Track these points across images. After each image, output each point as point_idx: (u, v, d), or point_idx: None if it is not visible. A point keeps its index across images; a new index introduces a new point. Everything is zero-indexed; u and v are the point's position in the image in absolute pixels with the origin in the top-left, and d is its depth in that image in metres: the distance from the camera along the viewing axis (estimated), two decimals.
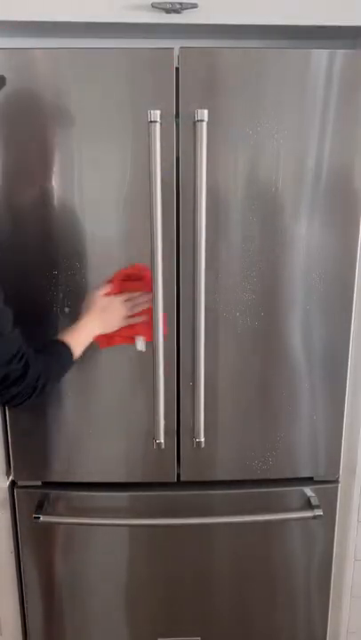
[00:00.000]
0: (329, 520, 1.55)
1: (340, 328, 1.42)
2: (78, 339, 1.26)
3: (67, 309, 1.37)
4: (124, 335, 1.37)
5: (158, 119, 1.21)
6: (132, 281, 1.35)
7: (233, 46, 1.29)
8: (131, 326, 1.36)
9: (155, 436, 1.41)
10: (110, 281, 1.34)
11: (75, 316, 1.33)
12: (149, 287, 1.31)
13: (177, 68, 1.23)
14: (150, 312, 1.33)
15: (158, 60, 1.23)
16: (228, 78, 1.25)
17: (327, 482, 1.54)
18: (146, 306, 1.35)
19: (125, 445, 1.47)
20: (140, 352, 1.38)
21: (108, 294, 1.33)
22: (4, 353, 1.06)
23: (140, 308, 1.35)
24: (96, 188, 1.30)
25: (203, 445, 1.42)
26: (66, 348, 1.21)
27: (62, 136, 1.27)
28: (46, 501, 1.49)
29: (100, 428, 1.45)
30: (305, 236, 1.35)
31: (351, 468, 1.53)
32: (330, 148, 1.30)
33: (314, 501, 1.51)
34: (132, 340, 1.38)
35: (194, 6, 1.25)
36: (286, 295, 1.39)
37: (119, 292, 1.35)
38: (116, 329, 1.35)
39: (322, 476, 1.53)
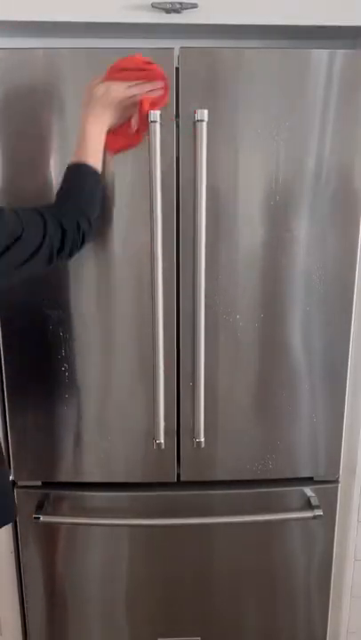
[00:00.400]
0: (329, 520, 1.55)
1: (341, 328, 1.41)
2: (93, 147, 1.15)
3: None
4: (131, 131, 1.21)
5: (158, 119, 1.21)
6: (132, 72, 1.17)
7: (233, 46, 1.29)
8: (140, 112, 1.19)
9: (155, 437, 1.41)
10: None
11: (73, 319, 1.33)
12: (158, 76, 1.18)
13: (177, 68, 1.23)
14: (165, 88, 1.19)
15: (158, 60, 1.23)
16: (228, 78, 1.25)
17: (327, 482, 1.54)
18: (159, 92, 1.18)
19: (125, 445, 1.47)
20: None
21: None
22: (32, 244, 1.06)
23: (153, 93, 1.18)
24: None
25: (203, 445, 1.42)
26: (86, 170, 1.14)
27: (62, 136, 1.27)
28: (46, 501, 1.49)
29: (100, 428, 1.45)
30: (305, 236, 1.35)
31: (351, 468, 1.53)
32: (330, 148, 1.29)
33: (314, 501, 1.51)
34: (143, 128, 1.21)
35: (194, 6, 1.25)
36: (286, 295, 1.39)
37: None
38: (126, 118, 1.19)
39: (322, 476, 1.53)
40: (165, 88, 1.20)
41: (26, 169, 1.28)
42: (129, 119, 1.21)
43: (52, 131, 1.26)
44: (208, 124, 1.22)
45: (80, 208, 1.15)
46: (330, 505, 1.54)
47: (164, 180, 1.25)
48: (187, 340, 1.38)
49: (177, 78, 1.23)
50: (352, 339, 1.42)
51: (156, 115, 1.20)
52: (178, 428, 1.45)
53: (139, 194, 1.28)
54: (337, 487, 1.54)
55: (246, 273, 1.36)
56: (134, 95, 1.17)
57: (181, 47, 1.23)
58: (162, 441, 1.41)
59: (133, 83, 1.17)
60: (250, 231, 1.34)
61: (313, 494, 1.52)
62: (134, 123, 1.21)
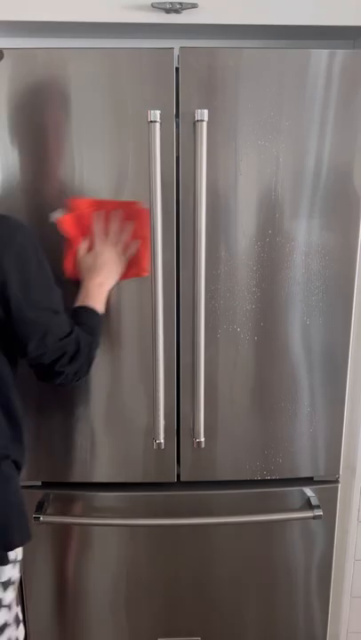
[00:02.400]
0: (329, 520, 1.55)
1: (341, 328, 1.41)
2: (100, 300, 1.25)
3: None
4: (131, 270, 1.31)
5: (158, 119, 1.21)
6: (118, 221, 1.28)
7: (233, 46, 1.29)
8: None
9: (155, 437, 1.41)
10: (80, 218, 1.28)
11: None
12: (144, 228, 1.27)
13: (177, 68, 1.23)
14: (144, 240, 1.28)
15: (158, 59, 1.23)
16: (228, 78, 1.25)
17: (327, 482, 1.54)
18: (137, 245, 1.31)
19: (125, 445, 1.47)
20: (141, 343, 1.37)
21: (90, 246, 1.29)
22: (60, 331, 1.12)
23: (133, 248, 1.30)
24: (96, 188, 1.30)
25: (203, 445, 1.42)
26: (94, 314, 1.23)
27: (62, 136, 1.27)
28: (46, 501, 1.49)
29: (100, 428, 1.45)
30: (305, 236, 1.35)
31: (351, 468, 1.54)
32: (330, 148, 1.30)
33: (314, 501, 1.51)
34: (142, 271, 1.31)
35: (194, 6, 1.25)
36: (286, 296, 1.39)
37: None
38: (122, 271, 1.30)
39: (322, 475, 1.53)
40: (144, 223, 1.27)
41: (25, 168, 1.28)
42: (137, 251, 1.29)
43: (52, 130, 1.27)
44: (208, 123, 1.22)
45: (92, 342, 1.20)
46: (330, 505, 1.54)
47: (164, 180, 1.25)
48: (187, 340, 1.38)
49: (177, 78, 1.24)
50: (352, 339, 1.42)
51: (155, 114, 1.21)
52: (178, 428, 1.45)
53: (139, 194, 1.28)
54: (337, 487, 1.54)
55: (246, 273, 1.36)
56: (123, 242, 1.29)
57: (181, 47, 1.24)
58: (162, 441, 1.41)
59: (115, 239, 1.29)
60: (250, 230, 1.34)
61: (313, 494, 1.52)
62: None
